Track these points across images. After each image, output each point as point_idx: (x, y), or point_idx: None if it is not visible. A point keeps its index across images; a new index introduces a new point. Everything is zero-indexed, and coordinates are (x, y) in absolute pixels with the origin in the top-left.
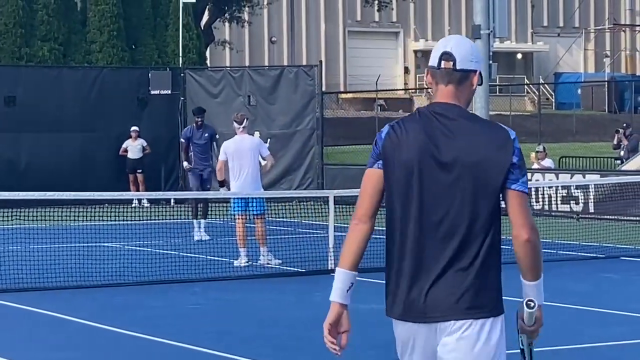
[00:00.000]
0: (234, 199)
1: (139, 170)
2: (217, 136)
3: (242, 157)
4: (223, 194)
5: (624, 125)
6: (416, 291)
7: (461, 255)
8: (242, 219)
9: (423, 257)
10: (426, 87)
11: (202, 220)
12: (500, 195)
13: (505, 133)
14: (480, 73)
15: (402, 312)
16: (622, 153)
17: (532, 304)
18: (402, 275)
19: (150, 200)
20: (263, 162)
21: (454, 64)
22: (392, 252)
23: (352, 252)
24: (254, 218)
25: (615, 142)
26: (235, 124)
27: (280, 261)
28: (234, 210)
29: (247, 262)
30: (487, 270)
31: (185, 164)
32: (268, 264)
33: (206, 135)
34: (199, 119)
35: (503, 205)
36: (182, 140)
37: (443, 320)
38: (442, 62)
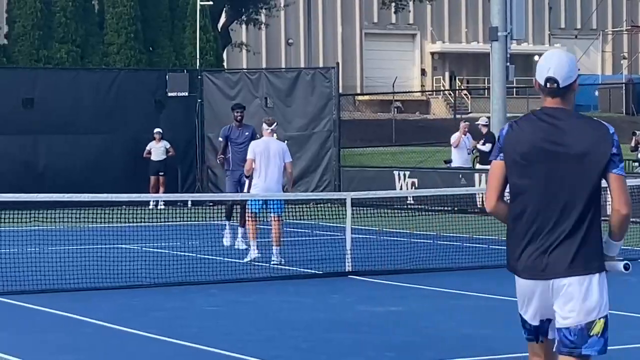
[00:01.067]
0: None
1: (161, 173)
2: (258, 136)
3: (269, 158)
4: (245, 195)
5: None
6: (537, 254)
7: (574, 226)
8: (255, 217)
9: (544, 226)
10: (443, 89)
11: (240, 229)
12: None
13: (606, 128)
14: (577, 76)
15: (524, 271)
16: (639, 155)
17: (628, 266)
18: (526, 241)
19: (166, 203)
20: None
21: (558, 85)
22: (517, 222)
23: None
24: (271, 219)
25: (632, 144)
26: (265, 125)
27: (283, 260)
28: (253, 209)
29: (258, 254)
30: (593, 238)
31: (221, 157)
32: (280, 263)
33: (246, 134)
34: (239, 114)
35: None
36: (220, 139)
37: (559, 277)
38: (548, 84)
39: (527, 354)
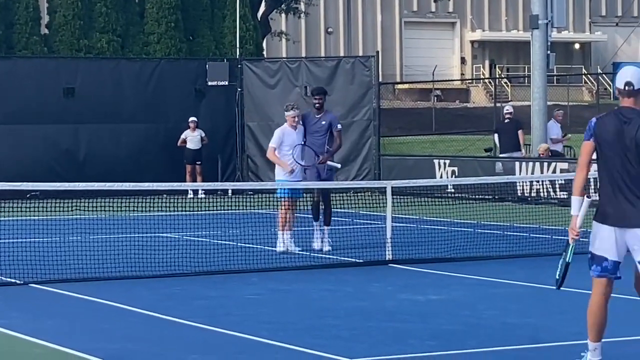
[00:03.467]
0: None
1: (197, 162)
2: (339, 126)
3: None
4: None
5: None
6: (618, 208)
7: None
8: (288, 203)
9: (623, 189)
10: (482, 77)
11: (326, 228)
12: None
13: None
14: None
15: (609, 219)
16: None
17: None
18: (610, 199)
19: (206, 191)
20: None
21: (633, 87)
22: (604, 186)
23: (580, 185)
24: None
25: None
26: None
27: (299, 249)
28: (283, 194)
29: (285, 249)
30: None
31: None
32: (288, 249)
33: (323, 122)
34: (317, 101)
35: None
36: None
37: (634, 227)
38: (626, 87)
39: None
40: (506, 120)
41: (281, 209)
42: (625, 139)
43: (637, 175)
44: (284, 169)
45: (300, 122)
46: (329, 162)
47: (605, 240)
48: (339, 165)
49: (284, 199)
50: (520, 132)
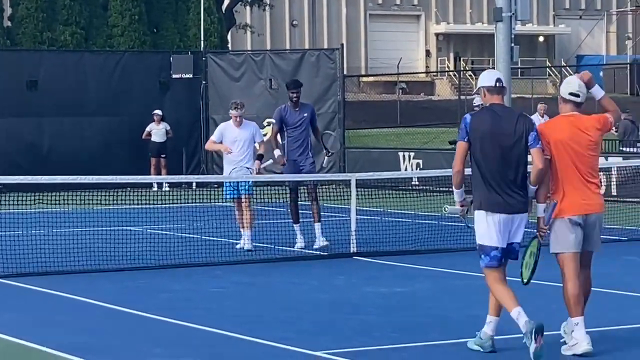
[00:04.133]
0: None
1: (162, 155)
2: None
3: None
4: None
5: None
6: (499, 197)
7: (518, 179)
8: (237, 203)
9: (501, 180)
10: (447, 70)
11: (317, 225)
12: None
13: (525, 116)
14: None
15: (492, 208)
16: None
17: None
18: (491, 189)
19: (171, 184)
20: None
21: (502, 84)
22: (482, 179)
23: (461, 180)
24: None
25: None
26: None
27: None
28: (228, 195)
29: (244, 246)
30: (526, 189)
31: (276, 152)
32: (244, 247)
33: (304, 115)
34: (294, 94)
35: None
36: (273, 121)
37: (516, 213)
38: (497, 83)
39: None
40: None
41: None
42: (503, 133)
43: (516, 166)
44: (226, 168)
45: (274, 119)
46: (263, 165)
47: (492, 230)
48: (271, 161)
49: (232, 199)
50: None
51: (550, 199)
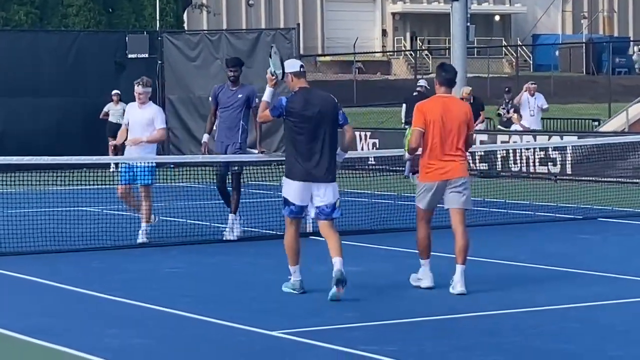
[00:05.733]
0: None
1: None
2: (257, 100)
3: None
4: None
5: None
6: (310, 167)
7: (327, 151)
8: (122, 190)
9: (312, 151)
10: (404, 50)
11: (231, 216)
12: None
13: (332, 98)
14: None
15: (302, 177)
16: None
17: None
18: (303, 160)
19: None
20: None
21: (304, 70)
22: (296, 150)
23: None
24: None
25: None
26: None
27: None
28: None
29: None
30: (334, 159)
31: (205, 136)
32: (144, 242)
33: (240, 96)
34: (232, 73)
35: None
36: (210, 100)
37: (318, 181)
38: (301, 68)
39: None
40: (415, 94)
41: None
42: (314, 111)
43: (324, 142)
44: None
45: (211, 97)
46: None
47: (296, 191)
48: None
49: (120, 184)
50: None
51: (420, 166)
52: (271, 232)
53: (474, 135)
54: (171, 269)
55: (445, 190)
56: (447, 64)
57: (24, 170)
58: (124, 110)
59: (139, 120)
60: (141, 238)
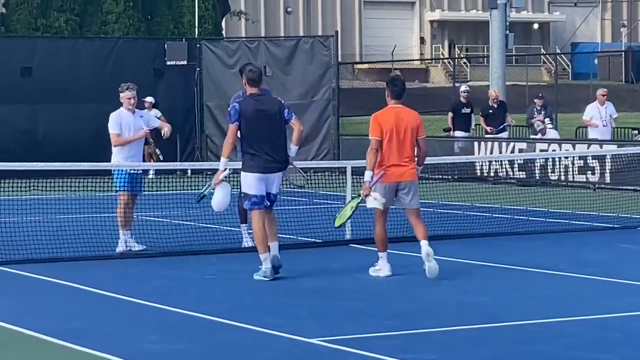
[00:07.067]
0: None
1: (150, 142)
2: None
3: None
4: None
5: None
6: (269, 159)
7: (281, 143)
8: (126, 198)
9: (265, 149)
10: (442, 57)
11: (243, 225)
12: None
13: (278, 99)
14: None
15: (259, 170)
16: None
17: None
18: (256, 156)
19: (164, 172)
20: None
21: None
22: (251, 147)
23: (230, 151)
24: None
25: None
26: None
27: (144, 247)
28: (122, 187)
29: (126, 248)
30: (287, 149)
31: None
32: (130, 250)
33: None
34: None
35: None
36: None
37: (272, 172)
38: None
39: None
40: (462, 100)
41: (120, 205)
42: (265, 114)
43: (275, 138)
44: (123, 153)
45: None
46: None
47: (255, 184)
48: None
49: (123, 192)
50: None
51: (378, 169)
52: (310, 239)
53: (425, 138)
54: (209, 275)
55: (398, 192)
56: (397, 78)
57: (63, 176)
58: (157, 118)
59: (134, 127)
60: (135, 246)
